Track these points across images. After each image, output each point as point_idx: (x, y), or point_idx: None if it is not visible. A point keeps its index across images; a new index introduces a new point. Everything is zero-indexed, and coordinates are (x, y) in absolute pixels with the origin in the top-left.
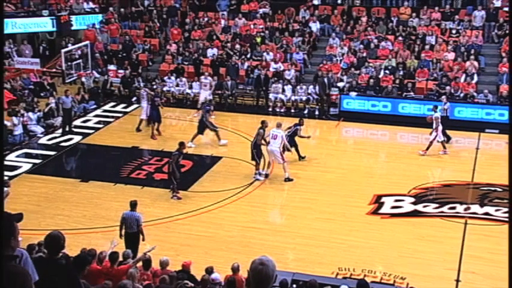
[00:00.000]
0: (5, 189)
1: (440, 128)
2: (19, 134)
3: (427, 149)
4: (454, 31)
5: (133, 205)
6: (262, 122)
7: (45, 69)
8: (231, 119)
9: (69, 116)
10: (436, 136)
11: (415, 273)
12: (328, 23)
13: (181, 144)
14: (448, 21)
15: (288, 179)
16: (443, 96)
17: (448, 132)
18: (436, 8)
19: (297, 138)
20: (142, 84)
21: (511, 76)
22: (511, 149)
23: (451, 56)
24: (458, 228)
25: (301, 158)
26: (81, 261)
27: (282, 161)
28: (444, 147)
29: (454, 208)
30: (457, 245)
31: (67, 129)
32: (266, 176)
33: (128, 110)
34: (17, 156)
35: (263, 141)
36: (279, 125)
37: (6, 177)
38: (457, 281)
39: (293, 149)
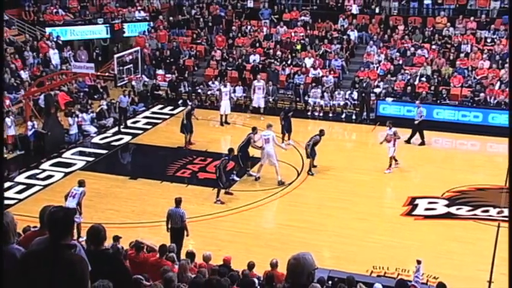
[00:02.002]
0: (82, 189)
1: (397, 142)
2: (74, 134)
3: (390, 166)
4: (489, 40)
5: (178, 202)
6: (253, 129)
7: (99, 73)
8: (272, 122)
9: (125, 114)
10: (394, 151)
11: (447, 273)
12: (366, 32)
13: (231, 151)
14: (484, 30)
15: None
16: (417, 101)
17: (480, 137)
18: (472, 18)
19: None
20: (188, 90)
21: (511, 77)
22: (511, 149)
23: (486, 64)
24: (491, 230)
25: (310, 170)
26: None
27: (276, 164)
28: (395, 162)
29: (487, 211)
30: (490, 247)
31: (122, 125)
32: (257, 178)
33: (174, 112)
34: (72, 154)
35: (256, 145)
36: (269, 126)
37: (61, 174)
38: (490, 282)
39: (308, 159)
